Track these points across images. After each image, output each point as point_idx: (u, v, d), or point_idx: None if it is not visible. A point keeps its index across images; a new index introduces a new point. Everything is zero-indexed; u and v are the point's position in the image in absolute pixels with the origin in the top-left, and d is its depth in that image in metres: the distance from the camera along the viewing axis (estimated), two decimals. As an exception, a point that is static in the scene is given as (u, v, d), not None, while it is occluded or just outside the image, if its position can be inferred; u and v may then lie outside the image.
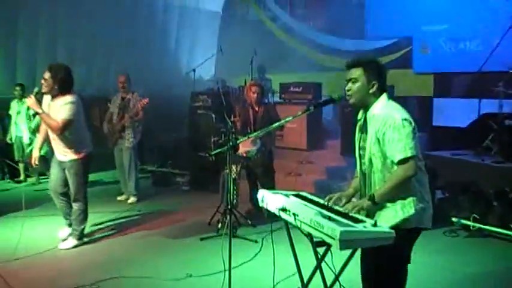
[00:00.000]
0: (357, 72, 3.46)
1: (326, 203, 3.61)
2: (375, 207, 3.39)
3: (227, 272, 4.35)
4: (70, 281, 5.23)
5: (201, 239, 6.70)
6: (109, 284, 5.22)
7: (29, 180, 10.49)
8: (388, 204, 3.37)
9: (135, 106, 8.54)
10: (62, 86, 6.05)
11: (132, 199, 8.89)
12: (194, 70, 12.03)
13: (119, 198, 9.06)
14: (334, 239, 2.94)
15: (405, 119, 3.29)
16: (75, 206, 6.38)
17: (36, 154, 6.48)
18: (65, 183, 6.34)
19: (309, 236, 3.35)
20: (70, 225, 6.56)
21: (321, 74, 12.12)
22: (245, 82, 10.99)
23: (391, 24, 11.49)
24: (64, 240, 6.49)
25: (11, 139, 10.19)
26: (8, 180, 10.90)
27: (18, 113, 9.90)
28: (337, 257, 3.51)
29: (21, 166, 10.64)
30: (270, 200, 3.70)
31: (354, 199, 3.65)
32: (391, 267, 3.42)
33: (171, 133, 12.24)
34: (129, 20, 13.54)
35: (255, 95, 7.61)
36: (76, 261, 5.99)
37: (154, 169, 11.14)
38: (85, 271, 5.59)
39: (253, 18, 15.77)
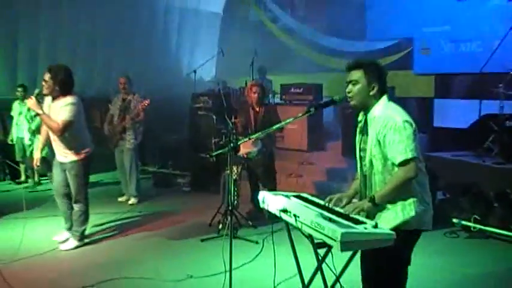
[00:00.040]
0: (357, 74, 3.46)
1: (326, 204, 3.62)
2: (375, 208, 3.39)
3: (228, 273, 4.36)
4: (71, 282, 5.24)
5: (202, 240, 6.69)
6: (110, 285, 5.23)
7: (29, 180, 10.46)
8: (389, 206, 3.38)
9: (136, 107, 8.55)
10: (63, 87, 6.06)
11: (132, 200, 8.89)
12: (195, 71, 12.03)
13: (119, 199, 9.07)
14: (335, 240, 2.94)
15: (406, 121, 3.30)
16: (76, 207, 6.39)
17: (37, 156, 6.50)
18: (67, 185, 6.35)
19: (310, 237, 3.35)
20: (69, 229, 6.56)
21: (322, 75, 12.12)
22: (246, 83, 10.98)
23: (391, 25, 11.50)
24: (65, 241, 6.49)
25: (12, 140, 10.19)
26: (9, 181, 10.91)
27: (20, 114, 9.91)
28: (337, 258, 3.51)
29: (22, 167, 10.65)
30: (270, 201, 3.70)
31: (354, 200, 3.66)
32: (391, 269, 3.42)
33: (172, 134, 12.24)
34: (130, 21, 13.56)
35: (256, 94, 7.60)
36: (77, 262, 5.99)
37: (155, 170, 11.15)
38: (86, 272, 5.59)
39: (253, 19, 15.78)
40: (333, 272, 3.67)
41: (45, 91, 6.12)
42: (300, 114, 3.91)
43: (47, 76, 6.05)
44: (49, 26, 12.11)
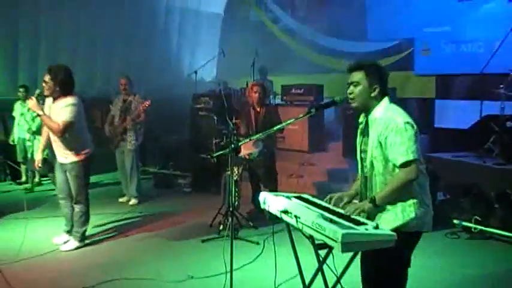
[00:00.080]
0: (358, 76, 3.46)
1: (327, 202, 3.63)
2: (376, 209, 3.39)
3: (228, 274, 4.36)
4: (71, 283, 5.24)
5: (203, 241, 6.69)
6: (110, 285, 5.23)
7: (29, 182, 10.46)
8: (389, 207, 3.38)
9: (136, 108, 8.55)
10: (63, 87, 6.05)
11: (133, 201, 8.89)
12: (196, 72, 12.02)
13: (120, 199, 9.07)
14: (336, 241, 2.94)
15: (407, 123, 3.30)
16: (77, 207, 6.39)
17: (39, 157, 6.50)
18: (69, 185, 6.35)
19: (311, 238, 3.35)
20: (69, 231, 6.56)
21: (323, 76, 12.13)
22: (247, 84, 10.97)
23: (392, 26, 11.50)
24: (65, 242, 6.49)
25: (13, 140, 10.18)
26: (10, 182, 10.91)
27: (22, 114, 9.90)
28: (338, 259, 3.51)
29: (23, 168, 10.65)
30: (271, 202, 3.70)
31: (354, 201, 3.66)
32: (391, 270, 3.42)
33: (173, 135, 12.25)
34: (130, 22, 13.58)
35: (257, 94, 7.59)
36: (77, 262, 5.99)
37: (156, 171, 11.15)
38: (86, 273, 5.59)
39: (254, 19, 15.79)
40: (333, 273, 3.67)
41: (46, 92, 6.12)
42: (301, 115, 3.91)
43: (47, 77, 6.04)
44: (49, 26, 12.12)
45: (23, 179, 10.68)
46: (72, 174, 6.24)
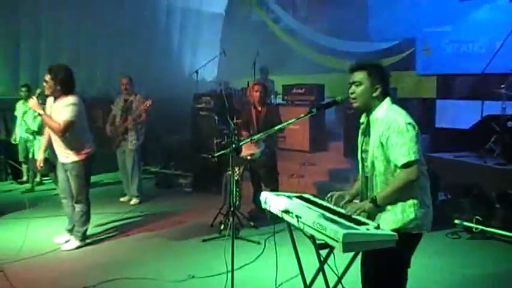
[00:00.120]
0: (360, 76, 3.46)
1: (328, 200, 3.63)
2: (377, 209, 3.39)
3: (229, 274, 4.35)
4: (72, 282, 5.24)
5: (204, 241, 6.70)
6: (111, 285, 5.23)
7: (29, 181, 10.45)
8: (389, 207, 3.38)
9: (138, 108, 8.55)
10: (64, 86, 6.04)
11: (134, 200, 8.90)
12: (197, 72, 12.02)
13: (121, 199, 9.07)
14: (337, 241, 2.94)
15: (409, 123, 3.30)
16: (77, 207, 6.39)
17: (41, 157, 6.51)
18: (70, 185, 6.36)
19: (312, 238, 3.35)
20: (70, 230, 6.57)
21: (324, 76, 12.14)
22: (248, 84, 10.98)
23: (393, 26, 11.50)
24: (66, 241, 6.49)
25: (15, 140, 10.18)
26: (11, 181, 10.92)
27: (24, 113, 9.90)
28: (339, 259, 3.51)
29: (24, 167, 10.65)
30: (273, 202, 3.70)
31: (355, 201, 3.66)
32: (391, 271, 3.42)
33: (174, 135, 12.26)
34: (132, 22, 13.57)
35: (258, 93, 7.58)
36: (78, 262, 5.99)
37: (157, 170, 11.16)
38: (87, 272, 5.59)
39: (255, 19, 15.80)
40: (334, 272, 3.68)
41: (46, 92, 6.12)
42: (302, 115, 3.91)
43: (47, 77, 6.04)
44: (50, 26, 12.12)
45: (24, 178, 10.69)
46: (73, 174, 6.24)
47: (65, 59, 11.15)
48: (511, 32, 8.50)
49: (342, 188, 3.86)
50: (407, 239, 3.32)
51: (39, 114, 6.10)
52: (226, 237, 6.24)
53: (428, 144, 9.49)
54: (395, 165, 3.32)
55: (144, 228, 7.43)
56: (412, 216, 3.34)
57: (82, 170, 6.25)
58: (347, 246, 2.94)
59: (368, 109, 3.50)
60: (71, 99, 6.04)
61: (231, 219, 5.59)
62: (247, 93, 8.74)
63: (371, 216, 3.42)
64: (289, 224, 3.61)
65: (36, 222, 7.41)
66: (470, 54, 10.08)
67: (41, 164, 6.50)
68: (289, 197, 3.79)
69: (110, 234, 7.08)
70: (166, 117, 11.76)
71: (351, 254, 3.32)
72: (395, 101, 3.51)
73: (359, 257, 3.48)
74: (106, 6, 12.64)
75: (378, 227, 3.16)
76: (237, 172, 7.16)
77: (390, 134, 3.30)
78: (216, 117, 10.26)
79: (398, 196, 3.34)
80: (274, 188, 7.33)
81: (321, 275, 3.71)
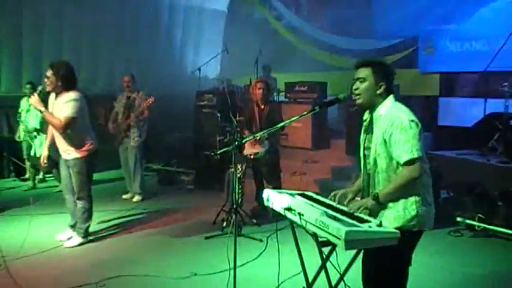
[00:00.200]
0: (365, 72, 3.46)
1: (331, 199, 3.63)
2: (379, 207, 3.39)
3: (232, 271, 4.36)
4: (75, 279, 5.24)
5: (206, 238, 6.70)
6: (114, 282, 5.23)
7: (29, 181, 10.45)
8: (391, 205, 3.37)
9: (140, 105, 8.56)
10: (65, 82, 6.05)
11: (137, 198, 8.91)
12: (199, 69, 12.01)
13: (124, 196, 9.08)
14: (339, 239, 2.94)
15: (412, 120, 3.30)
16: (79, 204, 6.39)
17: (44, 153, 6.51)
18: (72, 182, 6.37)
19: (314, 235, 3.35)
20: (73, 226, 6.58)
21: (326, 73, 12.14)
22: (250, 81, 10.98)
23: (397, 24, 11.48)
24: (69, 238, 6.50)
25: (19, 137, 10.17)
26: (14, 178, 10.93)
27: (28, 111, 9.90)
28: (342, 256, 3.51)
29: (27, 164, 10.65)
30: (275, 199, 3.70)
31: (357, 198, 3.66)
32: (391, 269, 3.42)
33: (176, 132, 12.25)
34: (134, 19, 13.60)
35: (261, 90, 7.58)
36: (80, 259, 6.00)
37: (160, 168, 11.17)
38: (90, 269, 5.60)
39: (258, 17, 15.79)
40: (337, 270, 3.68)
41: (47, 88, 6.13)
42: (305, 113, 3.92)
43: (49, 72, 6.04)
44: (53, 24, 12.12)
45: (27, 175, 10.70)
46: (75, 171, 6.24)
47: (67, 56, 11.17)
48: (514, 30, 8.51)
49: (344, 186, 3.86)
50: (408, 237, 3.32)
51: (40, 111, 6.10)
52: (229, 234, 6.24)
53: (431, 142, 9.49)
54: (398, 163, 3.32)
55: (146, 225, 7.44)
56: (413, 213, 3.33)
57: (84, 167, 6.25)
58: (349, 244, 2.95)
59: (371, 106, 3.49)
60: (72, 95, 6.05)
61: (233, 216, 5.63)
62: (249, 91, 8.74)
63: (373, 213, 3.42)
64: (291, 222, 3.61)
65: (39, 219, 7.43)
66: (473, 52, 10.08)
67: (45, 161, 6.51)
68: (291, 194, 3.79)
69: (112, 232, 7.09)
70: (169, 115, 11.76)
71: (353, 251, 3.33)
72: (399, 98, 3.51)
73: (361, 254, 3.48)
74: (109, 4, 12.65)
75: (380, 225, 3.16)
76: (240, 170, 7.16)
77: (393, 131, 3.29)
78: (219, 115, 10.26)
79: (400, 193, 3.33)
80: (277, 186, 7.35)
81: (323, 273, 3.72)
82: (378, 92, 3.44)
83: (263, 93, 7.58)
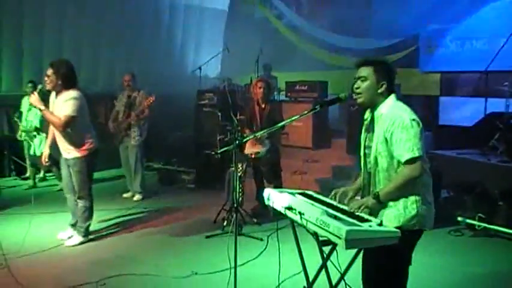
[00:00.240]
0: (366, 71, 3.45)
1: (332, 198, 3.64)
2: (379, 205, 3.39)
3: (232, 270, 4.36)
4: (76, 278, 5.24)
5: (207, 237, 6.70)
6: (115, 281, 5.23)
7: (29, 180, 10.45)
8: (391, 204, 3.37)
9: (141, 104, 8.56)
10: (65, 81, 6.05)
11: (137, 197, 8.91)
12: (200, 68, 12.00)
13: (124, 195, 9.09)
14: (340, 238, 2.94)
15: (413, 120, 3.30)
16: (80, 203, 6.39)
17: (46, 152, 6.51)
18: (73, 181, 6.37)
19: (315, 234, 3.35)
20: (73, 225, 6.58)
21: (327, 73, 12.13)
22: (251, 80, 10.99)
23: (397, 23, 11.47)
24: (69, 237, 6.51)
25: (21, 136, 10.17)
26: (14, 177, 10.93)
27: (29, 109, 9.90)
28: (342, 256, 3.51)
29: (28, 163, 10.64)
30: (276, 198, 3.70)
31: (357, 197, 3.66)
32: (391, 269, 3.42)
33: (177, 131, 12.25)
34: (134, 18, 13.60)
35: (261, 89, 7.58)
36: (81, 258, 5.99)
37: (160, 167, 11.16)
38: (90, 268, 5.60)
39: (259, 16, 15.78)
40: (337, 269, 3.68)
41: (47, 86, 6.13)
42: (306, 112, 3.92)
43: (49, 71, 6.05)
44: (54, 22, 12.13)
45: (28, 174, 10.69)
46: (75, 170, 6.24)
47: (68, 55, 11.14)
48: (515, 29, 8.50)
49: (345, 185, 3.86)
50: (408, 236, 3.31)
51: (40, 110, 6.11)
52: (229, 233, 6.25)
53: (431, 142, 9.48)
54: (399, 161, 3.31)
55: (147, 224, 7.44)
56: (413, 212, 3.33)
57: (84, 166, 6.25)
58: (350, 243, 2.95)
59: (372, 105, 3.49)
60: (72, 93, 6.04)
61: (234, 215, 5.63)
62: (250, 90, 8.73)
63: (373, 212, 3.42)
64: (292, 221, 3.61)
65: (39, 218, 7.43)
66: (473, 52, 10.07)
67: (46, 159, 6.50)
68: (292, 193, 3.79)
69: (113, 230, 7.09)
70: (169, 114, 11.76)
71: (354, 250, 3.33)
72: (400, 97, 3.51)
73: (361, 254, 3.48)
74: (109, 3, 12.65)
75: (380, 224, 3.16)
76: (240, 169, 7.16)
77: (394, 130, 3.29)
78: (219, 114, 10.26)
79: (401, 192, 3.33)
80: (277, 185, 7.34)
81: (323, 272, 3.72)
82: (379, 91, 3.43)
83: (264, 92, 7.59)
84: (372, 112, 3.51)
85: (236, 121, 7.22)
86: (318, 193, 3.92)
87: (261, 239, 6.46)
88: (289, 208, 3.46)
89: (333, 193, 3.68)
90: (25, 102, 9.95)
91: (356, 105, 3.60)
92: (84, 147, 6.21)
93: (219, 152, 4.98)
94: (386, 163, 3.39)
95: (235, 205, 6.28)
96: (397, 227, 3.24)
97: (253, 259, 5.84)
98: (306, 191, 3.95)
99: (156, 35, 14.32)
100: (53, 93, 6.24)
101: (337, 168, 9.41)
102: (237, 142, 4.46)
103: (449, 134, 9.70)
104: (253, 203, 7.69)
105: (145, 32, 13.92)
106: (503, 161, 7.79)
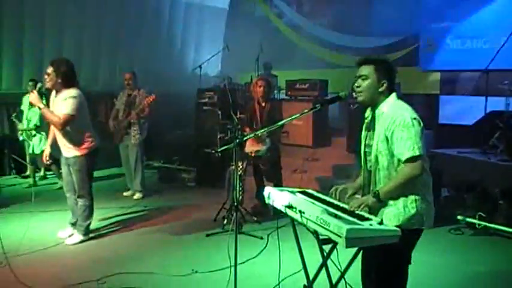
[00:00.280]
0: (367, 70, 3.45)
1: (332, 194, 3.65)
2: (379, 204, 3.39)
3: (233, 268, 4.36)
4: (76, 276, 5.24)
5: (207, 235, 6.70)
6: (115, 279, 5.22)
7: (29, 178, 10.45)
8: (391, 202, 3.37)
9: (141, 103, 8.55)
10: (65, 79, 6.04)
11: (138, 195, 8.91)
12: (200, 67, 12.02)
13: (124, 194, 9.08)
14: (340, 236, 2.94)
15: (414, 118, 3.30)
16: (80, 201, 6.39)
17: (47, 151, 6.51)
18: (73, 179, 6.36)
19: (315, 233, 3.36)
20: (73, 224, 6.58)
21: (327, 71, 12.14)
22: (251, 79, 11.00)
23: (397, 21, 11.47)
24: (70, 236, 6.51)
25: (22, 134, 10.16)
26: (15, 176, 10.93)
27: (30, 108, 9.89)
28: (342, 254, 3.51)
29: (28, 161, 10.64)
30: (276, 197, 3.70)
31: (357, 196, 3.66)
32: (391, 268, 3.42)
33: (177, 129, 12.25)
34: (135, 17, 13.59)
35: (262, 88, 7.58)
36: (81, 256, 6.00)
37: (160, 165, 11.16)
38: (90, 266, 5.60)
39: (259, 14, 15.77)
40: (338, 268, 3.68)
41: (47, 85, 6.12)
42: (306, 110, 3.92)
43: (49, 69, 6.04)
44: (54, 22, 12.12)
45: (28, 173, 10.69)
46: (75, 169, 6.24)
47: (68, 54, 11.16)
48: (515, 27, 8.50)
49: (345, 183, 3.86)
50: (408, 235, 3.31)
51: (39, 108, 6.11)
52: (230, 232, 6.25)
53: (432, 141, 9.48)
54: (399, 160, 3.32)
55: (147, 222, 7.44)
56: (413, 211, 3.33)
57: (84, 165, 6.24)
58: (350, 242, 2.95)
59: (373, 104, 3.49)
60: (71, 92, 6.03)
61: (234, 214, 5.62)
62: (250, 89, 8.73)
63: (373, 211, 3.42)
64: (292, 219, 3.61)
65: (39, 217, 7.44)
66: (474, 50, 10.07)
67: (47, 158, 6.50)
68: (292, 192, 3.80)
69: (113, 229, 7.09)
70: (170, 112, 11.77)
71: (354, 249, 3.33)
72: (400, 96, 3.51)
73: (361, 253, 3.48)
74: (109, 2, 12.64)
75: (381, 223, 3.16)
76: (241, 167, 7.15)
77: (395, 128, 3.29)
78: (220, 112, 10.27)
79: (401, 191, 3.34)
80: (278, 183, 7.34)
81: (324, 271, 3.72)
82: (380, 89, 3.43)
83: (264, 91, 7.58)
84: (373, 111, 3.51)
85: (236, 120, 7.22)
86: (318, 191, 3.92)
87: (261, 238, 6.46)
88: (290, 206, 3.46)
89: (333, 189, 3.68)
90: (26, 101, 9.95)
91: (356, 104, 3.60)
92: (84, 146, 6.20)
93: (219, 150, 4.98)
94: (387, 162, 3.39)
95: (235, 203, 6.27)
96: (396, 226, 3.24)
97: (254, 257, 5.84)
98: (306, 190, 3.95)
99: (157, 34, 14.31)
100: (53, 92, 6.23)
101: (337, 167, 9.42)
102: (237, 141, 4.44)
103: (450, 132, 9.70)
104: (253, 202, 7.69)
105: (146, 31, 13.91)
106: (503, 159, 7.80)
